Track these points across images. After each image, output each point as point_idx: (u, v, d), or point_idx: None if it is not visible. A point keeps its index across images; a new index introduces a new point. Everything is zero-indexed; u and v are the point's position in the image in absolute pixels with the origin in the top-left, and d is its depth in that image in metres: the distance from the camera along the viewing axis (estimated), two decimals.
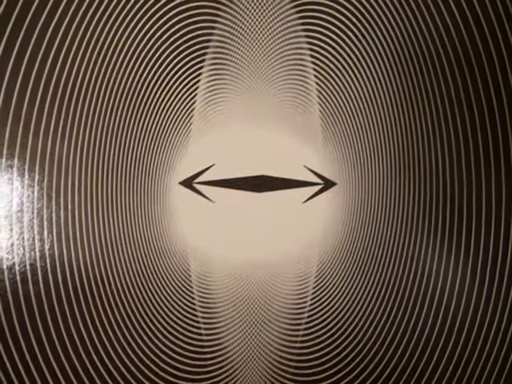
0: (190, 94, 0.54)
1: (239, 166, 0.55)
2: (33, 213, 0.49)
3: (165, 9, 0.51)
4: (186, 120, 0.54)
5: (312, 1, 0.54)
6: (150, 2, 0.51)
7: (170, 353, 0.53)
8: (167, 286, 0.53)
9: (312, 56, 0.55)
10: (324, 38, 0.55)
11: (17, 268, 0.48)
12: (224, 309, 0.55)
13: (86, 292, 0.50)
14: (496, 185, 0.55)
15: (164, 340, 0.53)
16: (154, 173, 0.53)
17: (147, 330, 0.53)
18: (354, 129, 0.56)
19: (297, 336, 0.56)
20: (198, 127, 0.54)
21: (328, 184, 0.57)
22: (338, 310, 0.56)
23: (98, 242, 0.51)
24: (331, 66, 0.55)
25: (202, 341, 0.54)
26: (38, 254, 0.49)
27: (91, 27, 0.49)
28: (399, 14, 0.54)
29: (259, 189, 0.56)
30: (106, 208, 0.51)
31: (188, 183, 0.54)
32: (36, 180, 0.49)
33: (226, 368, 0.55)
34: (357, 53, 0.55)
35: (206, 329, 0.55)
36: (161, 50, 0.52)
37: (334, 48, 0.55)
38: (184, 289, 0.54)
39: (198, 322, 0.54)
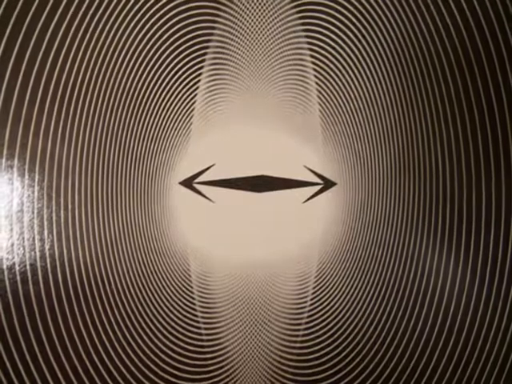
0: (190, 94, 0.54)
1: (239, 166, 0.55)
2: (33, 213, 0.49)
3: (165, 9, 0.51)
4: (186, 120, 0.54)
5: (312, 1, 0.54)
6: (150, 2, 0.51)
7: (170, 353, 0.53)
8: (167, 285, 0.53)
9: (312, 56, 0.55)
10: (324, 38, 0.55)
11: (17, 268, 0.48)
12: (224, 309, 0.55)
13: (86, 292, 0.50)
14: (496, 185, 0.55)
15: (164, 340, 0.53)
16: (154, 173, 0.53)
17: (147, 329, 0.53)
18: (354, 129, 0.56)
19: (297, 336, 0.56)
20: (198, 127, 0.54)
21: (328, 184, 0.57)
22: (338, 310, 0.56)
23: (98, 241, 0.51)
24: (331, 65, 0.55)
25: (202, 341, 0.54)
26: (38, 253, 0.49)
27: (91, 27, 0.49)
28: (399, 14, 0.54)
29: (259, 189, 0.56)
30: (106, 208, 0.51)
31: (188, 183, 0.54)
32: (36, 180, 0.49)
33: (226, 368, 0.55)
34: (357, 53, 0.55)
35: (206, 329, 0.55)
36: (161, 50, 0.52)
37: (333, 48, 0.55)
38: (184, 289, 0.54)
39: (198, 322, 0.54)
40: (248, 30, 0.54)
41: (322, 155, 0.57)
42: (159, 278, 0.53)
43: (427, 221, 0.56)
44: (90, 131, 0.50)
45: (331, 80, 0.56)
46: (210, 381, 0.54)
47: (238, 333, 0.55)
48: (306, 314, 0.56)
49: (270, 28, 0.54)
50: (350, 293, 0.56)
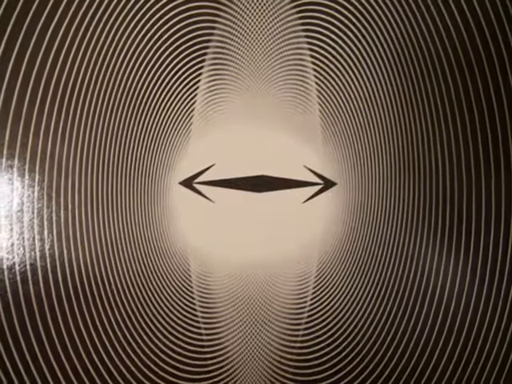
0: (190, 94, 0.54)
1: (239, 166, 0.55)
2: (33, 213, 0.49)
3: (165, 9, 0.51)
4: (186, 120, 0.54)
5: (312, 1, 0.54)
6: (150, 2, 0.51)
7: (170, 353, 0.53)
8: (167, 285, 0.53)
9: (312, 56, 0.55)
10: (324, 38, 0.55)
11: (17, 268, 0.48)
12: (224, 309, 0.55)
13: (86, 292, 0.50)
14: (496, 185, 0.55)
15: (164, 340, 0.53)
16: (154, 173, 0.53)
17: (147, 329, 0.53)
18: (354, 129, 0.56)
19: (297, 336, 0.56)
20: (198, 127, 0.54)
21: (328, 184, 0.57)
22: (338, 310, 0.56)
23: (98, 241, 0.51)
24: (331, 66, 0.55)
25: (202, 341, 0.54)
26: (38, 253, 0.49)
27: (91, 27, 0.49)
28: (399, 14, 0.54)
29: (259, 189, 0.56)
30: (106, 208, 0.51)
31: (188, 183, 0.54)
32: (36, 180, 0.49)
33: (226, 368, 0.55)
34: (357, 53, 0.55)
35: (206, 329, 0.55)
36: (161, 50, 0.52)
37: (333, 48, 0.55)
38: (184, 289, 0.54)
39: (198, 322, 0.54)
40: (248, 30, 0.54)
41: (322, 155, 0.57)
42: (159, 278, 0.53)
43: (427, 221, 0.56)
44: (90, 131, 0.50)
45: (331, 80, 0.56)
46: (210, 381, 0.54)
47: (237, 333, 0.55)
48: (305, 314, 0.56)
49: (270, 28, 0.54)
50: (350, 293, 0.57)
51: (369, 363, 0.56)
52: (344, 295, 0.56)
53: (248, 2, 0.54)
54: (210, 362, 0.54)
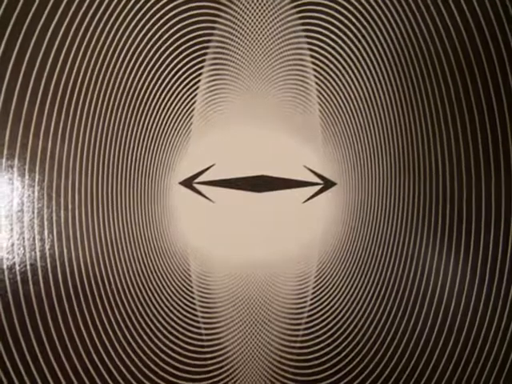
0: (190, 94, 0.54)
1: (239, 166, 0.55)
2: (33, 213, 0.49)
3: (165, 9, 0.51)
4: (186, 120, 0.54)
5: (312, 1, 0.54)
6: (151, 2, 0.51)
7: (170, 353, 0.53)
8: (167, 285, 0.53)
9: (312, 56, 0.55)
10: (324, 38, 0.55)
11: (17, 268, 0.48)
12: (224, 309, 0.55)
13: (87, 292, 0.50)
14: (496, 185, 0.55)
15: (164, 340, 0.53)
16: (154, 173, 0.53)
17: (147, 329, 0.53)
18: (354, 129, 0.56)
19: (297, 336, 0.56)
20: (198, 127, 0.54)
21: (328, 184, 0.57)
22: (338, 310, 0.56)
23: (98, 241, 0.51)
24: (331, 66, 0.55)
25: (202, 341, 0.54)
26: (38, 253, 0.49)
27: (91, 27, 0.49)
28: (399, 14, 0.54)
29: (259, 189, 0.56)
30: (106, 208, 0.51)
31: (188, 183, 0.54)
32: (36, 180, 0.49)
33: (225, 368, 0.55)
34: (357, 53, 0.55)
35: (206, 329, 0.55)
36: (161, 50, 0.52)
37: (333, 48, 0.55)
38: (184, 289, 0.54)
39: (198, 322, 0.54)
40: (248, 30, 0.54)
41: (322, 155, 0.57)
42: (159, 278, 0.53)
43: (427, 221, 0.56)
44: (91, 131, 0.50)
45: (331, 80, 0.56)
46: (210, 381, 0.54)
47: (237, 333, 0.55)
48: (305, 314, 0.56)
49: (270, 28, 0.54)
50: (350, 293, 0.57)
51: (369, 363, 0.56)
52: (344, 295, 0.56)
53: (248, 2, 0.54)
54: (209, 361, 0.55)
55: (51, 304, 0.49)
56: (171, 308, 0.54)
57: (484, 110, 0.55)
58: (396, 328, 0.56)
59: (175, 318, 0.54)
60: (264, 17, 0.54)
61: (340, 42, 0.55)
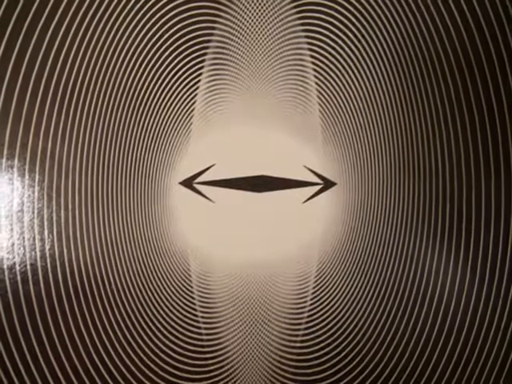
0: (190, 94, 0.54)
1: (239, 165, 0.55)
2: (33, 213, 0.49)
3: (165, 9, 0.51)
4: (186, 120, 0.54)
5: (312, 1, 0.54)
6: (151, 2, 0.51)
7: (170, 353, 0.53)
8: (167, 285, 0.53)
9: (312, 56, 0.55)
10: (324, 38, 0.55)
11: (17, 268, 0.48)
12: (224, 309, 0.55)
13: (87, 291, 0.50)
14: (495, 185, 0.55)
15: (164, 340, 0.53)
16: (154, 173, 0.53)
17: (147, 329, 0.53)
18: (354, 129, 0.56)
19: (297, 336, 0.56)
20: (198, 127, 0.54)
21: (328, 184, 0.57)
22: (338, 310, 0.56)
23: (98, 241, 0.51)
24: (331, 66, 0.55)
25: (202, 341, 0.54)
26: (38, 253, 0.49)
27: (91, 27, 0.49)
28: (399, 14, 0.54)
29: (259, 189, 0.56)
30: (106, 208, 0.51)
31: (188, 183, 0.55)
32: (36, 180, 0.49)
33: (225, 368, 0.55)
34: (357, 53, 0.55)
35: (206, 329, 0.55)
36: (161, 50, 0.52)
37: (333, 48, 0.55)
38: (184, 289, 0.54)
39: (198, 322, 0.54)
40: (248, 30, 0.54)
41: (322, 155, 0.57)
42: (159, 278, 0.53)
43: (427, 221, 0.56)
44: (91, 131, 0.50)
45: (331, 80, 0.56)
46: (210, 381, 0.54)
47: (237, 333, 0.55)
48: (305, 314, 0.56)
49: (270, 28, 0.54)
50: (350, 293, 0.57)
51: (369, 363, 0.56)
52: (344, 295, 0.56)
53: (248, 2, 0.54)
54: (210, 361, 0.55)
55: (51, 304, 0.49)
56: (171, 308, 0.54)
57: (484, 110, 0.55)
58: (396, 328, 0.56)
59: (175, 318, 0.54)
60: (264, 17, 0.54)
61: (340, 42, 0.55)
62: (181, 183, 0.54)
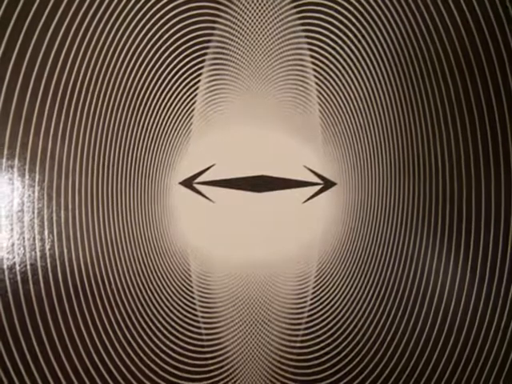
0: (190, 94, 0.54)
1: (239, 165, 0.56)
2: (33, 213, 0.49)
3: (165, 9, 0.51)
4: (186, 120, 0.54)
5: (312, 1, 0.54)
6: (151, 2, 0.51)
7: (170, 353, 0.54)
8: (167, 285, 0.53)
9: (312, 56, 0.55)
10: (324, 38, 0.55)
11: (17, 268, 0.48)
12: (224, 309, 0.55)
13: (87, 291, 0.50)
14: (495, 185, 0.55)
15: (164, 340, 0.53)
16: (154, 173, 0.53)
17: (147, 329, 0.53)
18: (354, 129, 0.56)
19: (297, 336, 0.56)
20: (198, 127, 0.54)
21: (328, 184, 0.57)
22: (338, 310, 0.56)
23: (98, 241, 0.51)
24: (331, 66, 0.56)
25: (202, 341, 0.54)
26: (38, 253, 0.49)
27: (91, 27, 0.49)
28: (399, 14, 0.54)
29: (259, 189, 0.56)
30: (106, 208, 0.51)
31: (188, 183, 0.55)
32: (36, 180, 0.49)
33: (225, 368, 0.55)
34: (357, 53, 0.55)
35: (206, 329, 0.55)
36: (161, 50, 0.52)
37: (333, 48, 0.55)
38: (184, 289, 0.54)
39: (198, 322, 0.54)
40: (248, 30, 0.54)
41: (322, 155, 0.57)
42: (159, 278, 0.53)
43: (427, 220, 0.56)
44: (91, 131, 0.50)
45: (331, 80, 0.56)
46: (210, 381, 0.54)
47: (237, 333, 0.55)
48: (305, 314, 0.56)
49: (270, 28, 0.54)
50: (350, 293, 0.57)
51: (368, 363, 0.56)
52: (344, 295, 0.57)
53: (248, 2, 0.54)
54: (210, 361, 0.55)
55: (51, 304, 0.49)
56: (171, 308, 0.54)
57: (484, 109, 0.55)
58: (396, 328, 0.56)
59: (175, 318, 0.54)
60: (264, 17, 0.54)
61: (340, 42, 0.55)
62: (181, 183, 0.54)
